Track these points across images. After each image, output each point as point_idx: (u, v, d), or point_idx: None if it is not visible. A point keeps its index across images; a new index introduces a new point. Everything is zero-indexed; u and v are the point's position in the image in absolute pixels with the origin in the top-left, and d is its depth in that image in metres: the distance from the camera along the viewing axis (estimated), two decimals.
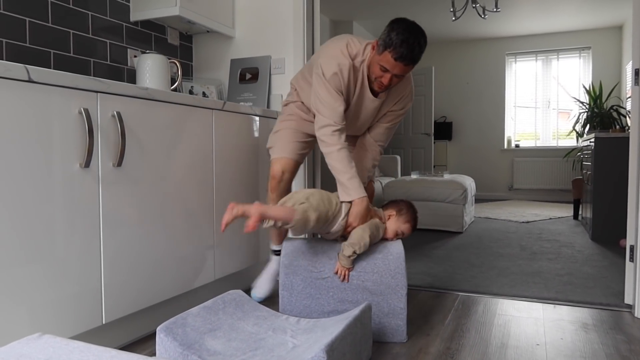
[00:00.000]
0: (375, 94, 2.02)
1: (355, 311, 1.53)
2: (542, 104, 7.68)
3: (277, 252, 2.28)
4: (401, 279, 1.77)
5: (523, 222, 5.02)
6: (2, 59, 1.95)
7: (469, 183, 4.76)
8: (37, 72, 1.37)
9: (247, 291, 2.35)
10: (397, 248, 1.83)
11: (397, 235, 1.90)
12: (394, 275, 1.77)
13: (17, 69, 1.32)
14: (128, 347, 1.76)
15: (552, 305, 2.25)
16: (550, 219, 5.27)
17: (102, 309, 1.60)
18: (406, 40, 1.77)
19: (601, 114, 6.00)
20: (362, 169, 2.13)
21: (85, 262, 1.55)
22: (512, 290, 2.49)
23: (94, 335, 1.62)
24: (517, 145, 7.77)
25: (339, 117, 1.91)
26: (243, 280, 2.44)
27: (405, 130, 7.34)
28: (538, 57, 7.64)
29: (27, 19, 2.05)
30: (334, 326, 1.50)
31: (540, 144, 7.71)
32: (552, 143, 7.64)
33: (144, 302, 1.77)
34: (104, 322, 1.61)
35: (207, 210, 2.09)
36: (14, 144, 1.33)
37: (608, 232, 3.89)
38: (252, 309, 1.67)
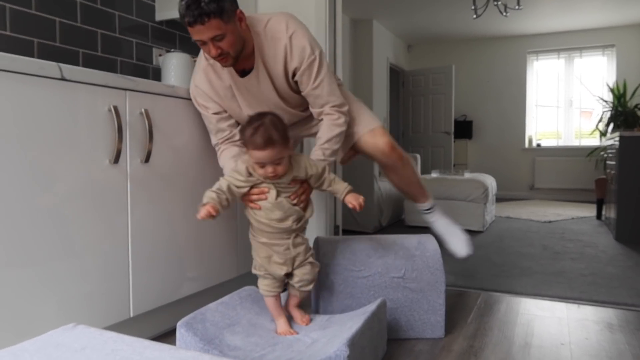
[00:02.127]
0: (242, 72, 1.72)
1: (372, 306, 1.55)
2: (564, 103, 7.56)
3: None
4: (440, 275, 1.78)
5: (545, 221, 4.96)
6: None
7: (490, 182, 4.73)
8: (69, 70, 1.41)
9: None
10: (432, 245, 1.84)
11: (269, 174, 1.46)
12: (432, 272, 1.78)
13: (51, 67, 1.36)
14: None
15: (576, 305, 2.22)
16: (573, 218, 5.19)
17: (130, 302, 1.64)
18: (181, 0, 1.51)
19: (625, 113, 5.89)
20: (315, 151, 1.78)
21: (115, 257, 1.58)
22: (535, 289, 2.47)
23: (122, 329, 1.65)
24: (538, 145, 7.67)
25: (215, 134, 1.82)
26: None
27: (425, 129, 7.31)
28: (560, 55, 7.53)
29: (57, 19, 2.10)
30: (351, 321, 1.51)
31: (562, 143, 7.60)
32: (574, 142, 7.53)
33: (170, 297, 1.80)
34: (131, 315, 1.65)
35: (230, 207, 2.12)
36: (47, 140, 1.37)
37: (633, 233, 3.82)
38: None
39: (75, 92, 1.45)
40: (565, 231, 4.36)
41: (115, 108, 1.55)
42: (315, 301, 1.84)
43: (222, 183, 1.48)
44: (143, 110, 1.66)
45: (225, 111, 1.80)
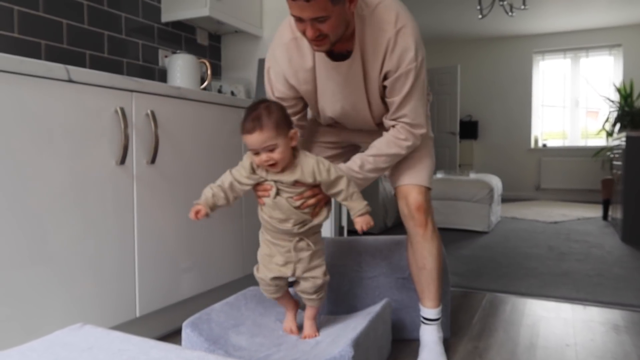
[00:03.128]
0: (335, 56, 1.47)
1: (376, 307, 1.55)
2: (570, 103, 7.53)
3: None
4: (444, 276, 1.78)
5: (551, 222, 4.94)
6: (41, 60, 2.02)
7: (495, 182, 4.71)
8: (76, 72, 1.42)
9: None
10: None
11: (264, 163, 1.34)
12: None
13: (58, 69, 1.37)
14: None
15: (582, 306, 2.22)
16: (579, 219, 5.17)
17: (136, 302, 1.65)
18: None
19: (632, 113, 5.85)
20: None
21: (121, 257, 1.59)
22: (541, 290, 2.46)
23: (128, 328, 1.66)
24: (544, 145, 7.64)
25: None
26: None
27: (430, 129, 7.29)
28: (566, 55, 7.50)
29: (65, 20, 2.11)
30: (355, 322, 1.51)
31: (568, 143, 7.56)
32: (580, 142, 7.49)
33: (175, 297, 1.81)
34: (137, 315, 1.66)
35: (235, 207, 2.12)
36: (54, 141, 1.38)
37: (639, 233, 3.80)
38: (273, 305, 1.69)
39: (82, 93, 1.46)
40: (571, 232, 4.34)
41: (122, 109, 1.56)
42: (326, 303, 1.85)
43: (225, 178, 1.40)
44: (149, 111, 1.67)
45: (295, 99, 1.58)
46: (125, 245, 1.61)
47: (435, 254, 1.60)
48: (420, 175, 1.63)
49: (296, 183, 1.38)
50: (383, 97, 1.54)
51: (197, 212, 1.34)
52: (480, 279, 2.68)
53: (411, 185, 1.61)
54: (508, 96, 7.76)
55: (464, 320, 2.03)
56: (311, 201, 1.41)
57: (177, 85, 2.39)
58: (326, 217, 1.47)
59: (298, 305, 1.62)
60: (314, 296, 1.51)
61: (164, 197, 1.75)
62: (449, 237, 4.04)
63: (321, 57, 1.48)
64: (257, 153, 1.32)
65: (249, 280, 2.29)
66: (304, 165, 1.38)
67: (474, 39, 7.84)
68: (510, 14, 5.28)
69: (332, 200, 1.47)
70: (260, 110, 1.30)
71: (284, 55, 1.51)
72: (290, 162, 1.37)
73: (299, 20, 1.30)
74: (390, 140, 1.53)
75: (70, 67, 1.41)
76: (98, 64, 2.28)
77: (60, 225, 1.40)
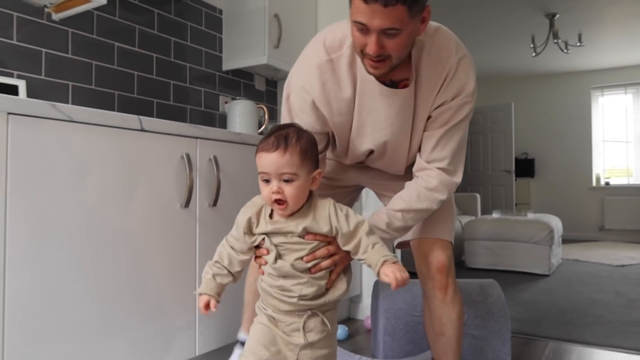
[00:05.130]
0: (388, 83, 1.25)
1: (428, 354, 1.52)
2: (634, 138, 7.21)
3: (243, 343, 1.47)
4: (504, 323, 1.73)
5: (617, 265, 4.67)
6: (114, 109, 2.18)
7: (555, 223, 4.54)
8: (148, 122, 1.53)
9: None
10: (496, 290, 1.80)
11: (272, 196, 1.06)
12: (497, 319, 1.74)
13: (132, 120, 1.49)
14: None
15: None
16: None
17: (196, 341, 1.70)
18: None
19: None
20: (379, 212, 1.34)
21: (183, 296, 1.65)
22: (609, 340, 2.32)
23: None
24: (607, 183, 7.30)
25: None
26: None
27: (484, 167, 7.16)
28: (628, 90, 7.23)
29: (136, 72, 2.28)
30: None
31: (633, 181, 7.20)
32: None
33: (233, 336, 1.85)
34: (197, 354, 1.70)
35: None
36: (126, 185, 1.48)
37: None
38: None
39: (152, 141, 1.56)
40: None
41: (188, 155, 1.66)
42: (376, 345, 1.82)
43: (222, 250, 1.16)
44: (212, 156, 1.76)
45: (321, 134, 1.33)
46: (187, 283, 1.67)
47: (455, 320, 1.39)
48: (443, 228, 1.41)
49: (306, 235, 1.09)
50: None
51: (205, 305, 1.10)
52: (542, 326, 2.56)
53: (433, 240, 1.39)
54: (566, 133, 7.53)
55: None
56: (326, 263, 1.10)
57: (237, 129, 2.50)
58: (346, 291, 1.15)
59: None
60: None
61: None
62: (507, 279, 3.89)
63: (367, 84, 1.25)
64: (267, 181, 1.05)
65: None
66: (317, 209, 1.09)
67: (528, 76, 7.73)
68: (565, 51, 5.20)
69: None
70: (289, 130, 1.07)
71: (315, 79, 1.25)
72: (301, 208, 1.09)
73: (362, 29, 1.07)
74: (421, 192, 1.28)
75: (142, 118, 1.52)
76: (164, 111, 2.43)
77: (126, 264, 1.48)
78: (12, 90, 1.75)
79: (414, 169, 1.34)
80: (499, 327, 1.73)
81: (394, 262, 1.05)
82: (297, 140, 1.05)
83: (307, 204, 1.09)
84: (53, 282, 1.29)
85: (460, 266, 4.57)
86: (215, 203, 1.76)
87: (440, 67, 1.24)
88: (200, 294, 1.12)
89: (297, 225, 1.07)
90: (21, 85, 1.78)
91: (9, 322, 1.20)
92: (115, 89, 2.19)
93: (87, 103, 2.07)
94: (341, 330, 2.28)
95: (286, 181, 1.03)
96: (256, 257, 1.13)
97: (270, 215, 1.10)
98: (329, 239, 1.10)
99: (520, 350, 2.17)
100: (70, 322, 1.33)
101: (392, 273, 1.02)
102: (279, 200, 1.04)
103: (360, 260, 1.10)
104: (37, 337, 1.26)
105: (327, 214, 1.09)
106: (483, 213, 6.54)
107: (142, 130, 1.53)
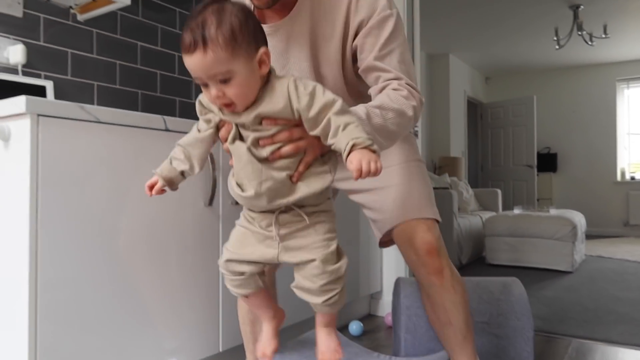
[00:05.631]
0: (277, 19, 1.17)
1: (443, 353, 1.51)
2: None
3: None
4: (527, 321, 1.72)
5: None
6: (138, 108, 2.22)
7: (578, 219, 4.47)
8: (172, 121, 1.56)
9: (343, 328, 2.38)
10: (518, 288, 1.79)
11: (215, 101, 0.90)
12: (519, 317, 1.73)
13: (157, 120, 1.51)
14: None
15: None
16: None
17: (220, 337, 1.72)
18: None
19: None
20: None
21: (207, 292, 1.68)
22: (634, 338, 2.28)
23: None
24: (632, 177, 7.15)
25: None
26: (342, 316, 2.48)
27: (505, 162, 7.08)
28: None
29: (159, 71, 2.32)
30: None
31: None
32: None
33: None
34: (220, 350, 1.73)
35: None
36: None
37: None
38: (345, 344, 1.70)
39: (176, 140, 1.58)
40: None
41: (211, 154, 1.68)
42: (397, 343, 1.83)
43: (188, 135, 1.02)
44: None
45: None
46: (211, 281, 1.69)
47: (460, 304, 1.26)
48: (422, 204, 1.23)
49: (262, 121, 0.89)
50: (351, 71, 1.20)
51: (151, 187, 1.01)
52: (565, 324, 2.53)
53: (414, 222, 1.21)
54: (589, 126, 7.39)
55: None
56: (288, 148, 0.90)
57: None
58: (326, 185, 0.94)
59: (283, 315, 1.25)
60: (319, 298, 1.00)
61: None
62: (529, 276, 3.85)
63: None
64: (205, 84, 0.87)
65: None
66: (274, 90, 0.89)
67: (551, 69, 7.59)
68: (590, 43, 5.09)
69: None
70: (206, 15, 0.83)
71: None
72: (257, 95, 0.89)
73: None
74: (392, 95, 1.09)
75: (167, 118, 1.54)
76: (187, 109, 2.46)
77: (150, 261, 1.51)
78: (40, 90, 1.79)
79: (375, 94, 1.15)
80: (522, 325, 1.72)
81: (366, 147, 0.82)
82: (217, 27, 0.82)
83: (262, 87, 0.89)
84: (82, 277, 1.33)
85: (481, 262, 4.53)
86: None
87: None
88: (153, 174, 1.02)
89: (248, 114, 0.88)
90: (49, 86, 1.82)
91: (42, 314, 1.24)
92: (138, 87, 2.22)
93: (111, 102, 2.11)
94: (356, 326, 2.29)
95: (224, 82, 0.84)
96: (222, 141, 0.96)
97: None
98: (295, 122, 0.90)
99: (542, 349, 2.15)
100: (99, 315, 1.37)
101: (358, 160, 0.80)
102: (225, 104, 0.87)
103: (331, 145, 0.88)
104: (66, 329, 1.29)
105: (286, 93, 0.88)
106: (504, 209, 6.47)
107: (167, 130, 1.55)
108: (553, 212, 4.60)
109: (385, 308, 2.66)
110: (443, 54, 6.65)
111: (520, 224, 4.28)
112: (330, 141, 0.87)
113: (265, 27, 1.07)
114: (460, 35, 5.93)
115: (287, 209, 0.95)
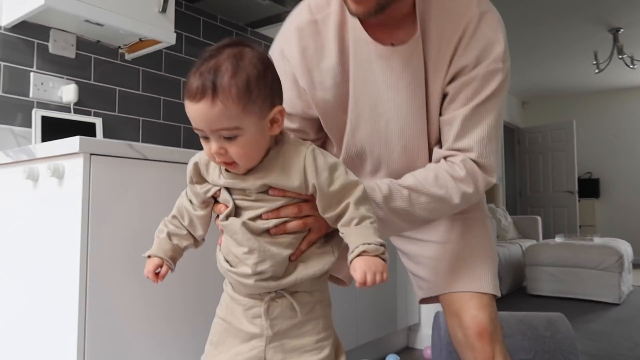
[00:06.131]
0: (385, 39, 0.95)
1: None
2: None
3: None
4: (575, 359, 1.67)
5: None
6: (180, 141, 2.29)
7: (625, 247, 4.30)
8: None
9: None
10: (564, 325, 1.73)
11: (214, 158, 0.78)
12: (566, 356, 1.67)
13: None
14: None
15: None
16: None
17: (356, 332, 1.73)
18: None
19: None
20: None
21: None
22: None
23: None
24: None
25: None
26: (379, 348, 2.45)
27: (545, 188, 6.91)
28: None
29: None
30: None
31: None
32: None
33: (392, 326, 1.86)
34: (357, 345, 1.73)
35: None
36: None
37: None
38: None
39: None
40: None
41: None
42: None
43: (180, 204, 0.91)
44: None
45: (303, 119, 1.04)
46: None
47: None
48: (480, 275, 1.03)
49: (269, 190, 0.79)
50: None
51: (152, 272, 0.88)
52: None
53: (467, 295, 1.02)
54: (633, 150, 7.14)
55: None
56: (294, 224, 0.80)
57: None
58: (326, 268, 0.82)
59: None
60: None
61: None
62: (574, 308, 3.71)
63: (360, 46, 0.95)
64: (206, 138, 0.76)
65: (363, 351, 2.28)
66: (289, 157, 0.78)
67: (590, 93, 7.43)
68: (631, 66, 4.98)
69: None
70: (221, 59, 0.73)
71: (294, 44, 0.99)
72: (265, 157, 0.79)
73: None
74: (441, 174, 0.93)
75: None
76: None
77: (190, 292, 1.54)
78: (90, 127, 1.88)
79: (434, 160, 1.00)
80: None
81: (376, 255, 0.73)
82: (232, 76, 0.71)
83: (275, 150, 0.79)
84: (128, 310, 1.36)
85: (522, 293, 4.40)
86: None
87: (455, 20, 0.93)
88: (149, 257, 0.88)
89: (255, 181, 0.77)
90: (98, 122, 1.91)
91: (89, 342, 1.27)
92: (181, 122, 2.30)
93: (155, 136, 2.19)
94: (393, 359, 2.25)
95: (228, 138, 0.73)
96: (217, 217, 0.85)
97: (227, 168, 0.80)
98: (305, 197, 0.80)
99: None
100: (144, 346, 1.39)
101: (363, 271, 0.71)
102: (226, 162, 0.76)
103: (342, 232, 0.79)
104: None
105: (302, 165, 0.77)
106: (545, 236, 6.28)
107: None
108: (597, 240, 4.44)
109: (423, 341, 2.60)
110: None
111: (563, 253, 4.15)
112: (341, 229, 0.78)
113: (379, 48, 0.93)
114: None
115: (277, 296, 0.81)
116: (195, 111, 0.72)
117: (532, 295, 4.25)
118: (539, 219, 5.81)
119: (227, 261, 0.83)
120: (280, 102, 0.78)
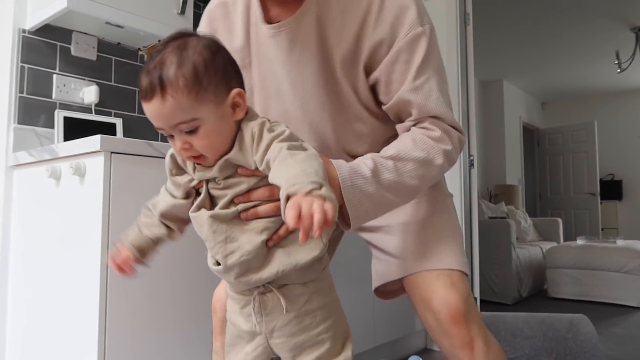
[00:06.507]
0: (283, 17, 0.91)
1: None
2: None
3: None
4: None
5: None
6: None
7: None
8: None
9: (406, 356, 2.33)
10: (587, 327, 1.70)
11: (181, 153, 0.76)
12: (589, 358, 1.64)
13: None
14: None
15: None
16: None
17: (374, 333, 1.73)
18: None
19: None
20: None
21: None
22: None
23: None
24: None
25: None
26: (398, 350, 2.43)
27: (565, 190, 6.80)
28: None
29: None
30: None
31: None
32: None
33: (410, 327, 1.86)
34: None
35: (367, 270, 2.16)
36: None
37: None
38: None
39: None
40: None
41: None
42: None
43: (156, 198, 0.88)
44: None
45: None
46: None
47: None
48: (445, 251, 0.94)
49: (238, 169, 0.75)
50: (362, 95, 0.95)
51: (116, 263, 0.82)
52: None
53: (434, 274, 0.92)
54: None
55: None
56: (266, 207, 0.75)
57: None
58: (314, 255, 0.74)
59: None
60: None
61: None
62: (596, 311, 3.64)
63: (256, 27, 0.93)
64: (171, 136, 0.73)
65: (381, 352, 2.27)
66: (243, 133, 0.74)
67: (612, 93, 7.29)
68: None
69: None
70: (165, 54, 0.70)
71: (205, 28, 1.00)
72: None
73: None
74: (417, 137, 0.89)
75: None
76: None
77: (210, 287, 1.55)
78: (111, 127, 1.91)
79: (402, 132, 0.94)
80: None
81: (310, 192, 0.60)
82: (177, 68, 0.68)
83: (239, 133, 0.75)
84: (147, 306, 1.37)
85: (543, 295, 4.33)
86: None
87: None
88: (115, 245, 0.84)
89: (220, 164, 0.74)
90: (118, 123, 1.94)
91: (109, 341, 1.29)
92: None
93: None
94: None
95: (189, 132, 0.71)
96: None
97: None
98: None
99: None
100: (162, 343, 1.40)
101: (294, 210, 0.57)
102: (193, 156, 0.74)
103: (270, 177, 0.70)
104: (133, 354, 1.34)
105: (250, 139, 0.72)
106: (566, 239, 6.18)
107: None
108: (620, 242, 4.35)
109: None
110: (497, 81, 6.54)
111: (584, 256, 4.08)
112: (271, 181, 0.69)
113: (265, 27, 0.91)
114: (514, 62, 5.83)
115: (266, 290, 0.76)
116: (150, 110, 0.70)
117: (553, 298, 4.18)
118: (560, 221, 5.71)
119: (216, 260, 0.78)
120: (238, 85, 0.75)
